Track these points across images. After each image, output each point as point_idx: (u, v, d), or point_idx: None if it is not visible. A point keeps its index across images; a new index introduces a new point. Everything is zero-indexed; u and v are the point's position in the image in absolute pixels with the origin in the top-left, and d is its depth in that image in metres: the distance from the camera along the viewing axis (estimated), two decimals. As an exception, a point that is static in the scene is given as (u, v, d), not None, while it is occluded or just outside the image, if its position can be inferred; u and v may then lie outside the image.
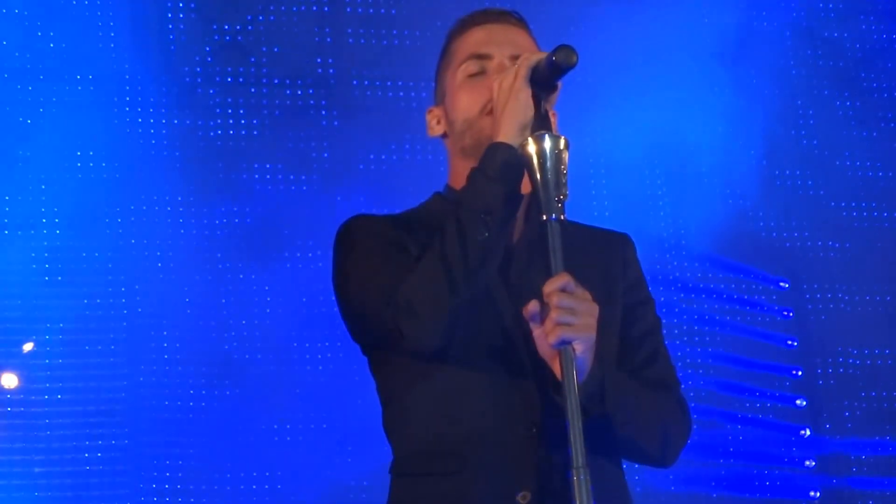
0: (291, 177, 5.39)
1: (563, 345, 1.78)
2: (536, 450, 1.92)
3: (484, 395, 1.96)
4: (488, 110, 2.06)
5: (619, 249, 2.17)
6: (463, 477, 1.92)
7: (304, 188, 5.36)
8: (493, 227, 1.91)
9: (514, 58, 2.08)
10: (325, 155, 5.44)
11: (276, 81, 5.47)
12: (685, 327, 5.62)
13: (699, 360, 5.58)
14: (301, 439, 5.11)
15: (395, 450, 2.07)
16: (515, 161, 1.89)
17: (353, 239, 2.12)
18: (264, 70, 5.46)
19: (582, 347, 1.81)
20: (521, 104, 1.93)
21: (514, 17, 2.20)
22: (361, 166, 5.43)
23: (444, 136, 2.21)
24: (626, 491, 2.06)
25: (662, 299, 5.56)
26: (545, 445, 1.92)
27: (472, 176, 1.97)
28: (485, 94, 2.08)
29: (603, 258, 2.15)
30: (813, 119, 5.92)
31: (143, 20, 5.31)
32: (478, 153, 2.06)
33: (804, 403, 5.62)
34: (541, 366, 1.92)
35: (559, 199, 1.82)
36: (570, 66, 1.87)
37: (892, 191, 5.89)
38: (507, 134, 1.94)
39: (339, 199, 5.27)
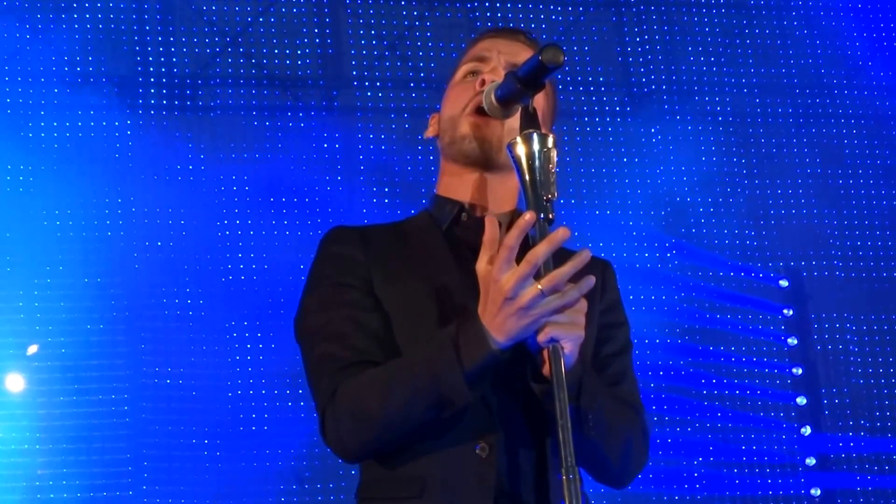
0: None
1: (552, 342, 1.79)
2: (493, 472, 1.90)
3: (441, 418, 1.91)
4: (469, 108, 2.06)
5: (599, 273, 2.14)
6: (422, 501, 1.91)
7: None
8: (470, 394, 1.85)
9: (511, 65, 2.07)
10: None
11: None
12: (685, 327, 5.62)
13: (699, 360, 5.58)
14: (298, 440, 5.13)
15: (361, 473, 2.06)
16: (495, 362, 1.82)
17: (319, 270, 2.06)
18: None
19: (570, 346, 1.81)
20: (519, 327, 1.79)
21: (523, 36, 2.19)
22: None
23: (437, 136, 2.21)
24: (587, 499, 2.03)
25: (664, 297, 5.58)
26: (501, 467, 1.91)
27: (450, 363, 1.84)
28: (470, 91, 2.08)
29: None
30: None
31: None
32: (453, 151, 2.07)
33: (804, 401, 5.63)
34: (498, 387, 1.93)
35: (548, 198, 1.82)
36: (558, 66, 1.86)
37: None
38: (499, 334, 1.81)
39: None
